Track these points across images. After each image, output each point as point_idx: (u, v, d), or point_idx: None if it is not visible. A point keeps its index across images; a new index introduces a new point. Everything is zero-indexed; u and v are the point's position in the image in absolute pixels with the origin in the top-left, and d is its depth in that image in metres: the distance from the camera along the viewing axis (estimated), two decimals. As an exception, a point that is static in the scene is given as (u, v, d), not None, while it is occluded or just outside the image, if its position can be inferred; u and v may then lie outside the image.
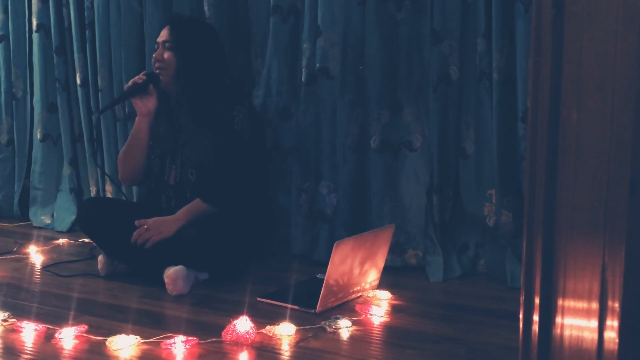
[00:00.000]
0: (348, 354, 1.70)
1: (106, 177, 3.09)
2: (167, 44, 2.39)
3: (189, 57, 2.38)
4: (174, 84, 2.42)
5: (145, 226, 2.24)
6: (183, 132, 2.43)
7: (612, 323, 1.03)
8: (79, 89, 3.12)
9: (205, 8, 2.72)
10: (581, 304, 1.08)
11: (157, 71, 2.41)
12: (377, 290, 2.18)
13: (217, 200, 2.32)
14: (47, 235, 3.05)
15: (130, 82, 2.42)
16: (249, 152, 2.37)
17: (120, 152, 2.54)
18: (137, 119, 2.46)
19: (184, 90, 2.40)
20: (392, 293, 2.17)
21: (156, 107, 2.44)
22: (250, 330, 1.75)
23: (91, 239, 2.53)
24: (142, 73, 2.43)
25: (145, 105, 2.42)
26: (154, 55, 2.43)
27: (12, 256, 2.66)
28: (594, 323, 1.06)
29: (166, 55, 2.39)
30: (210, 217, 2.30)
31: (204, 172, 2.37)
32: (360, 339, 1.81)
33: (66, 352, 1.71)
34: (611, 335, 1.03)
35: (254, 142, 2.40)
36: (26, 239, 2.97)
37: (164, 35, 2.42)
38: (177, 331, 1.80)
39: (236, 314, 1.85)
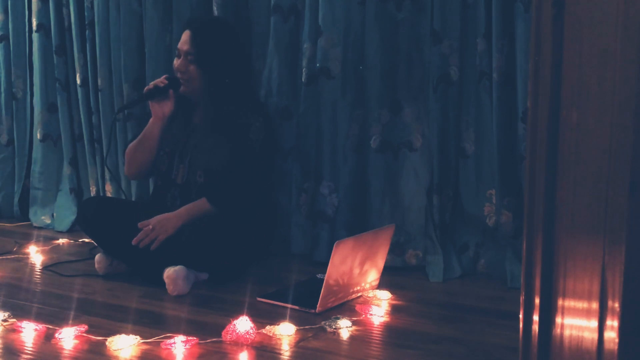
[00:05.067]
0: (348, 354, 1.70)
1: (106, 177, 3.09)
2: (189, 57, 2.35)
3: (214, 71, 2.35)
4: (197, 94, 2.41)
5: (150, 226, 2.24)
6: (196, 134, 2.43)
7: (612, 323, 1.03)
8: (79, 89, 3.12)
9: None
10: (581, 304, 1.08)
11: (181, 80, 2.39)
12: (377, 290, 2.18)
13: (223, 204, 2.32)
14: (47, 235, 3.05)
15: (151, 85, 2.39)
16: (259, 160, 2.37)
17: (128, 147, 2.52)
18: (151, 120, 2.44)
19: (209, 101, 2.40)
20: (392, 293, 2.17)
21: (172, 111, 2.42)
22: (250, 330, 1.76)
23: (91, 239, 2.52)
24: (163, 77, 2.40)
25: (162, 109, 2.40)
26: (175, 63, 2.39)
27: (12, 256, 2.66)
28: (594, 323, 1.06)
29: (190, 67, 2.35)
30: (211, 218, 2.30)
31: (212, 175, 2.37)
32: (360, 339, 1.81)
33: (66, 352, 1.71)
34: (611, 335, 1.03)
35: (266, 151, 2.40)
36: (26, 239, 2.97)
37: (185, 42, 2.36)
38: (177, 331, 1.80)
39: (236, 314, 1.85)
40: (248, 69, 2.49)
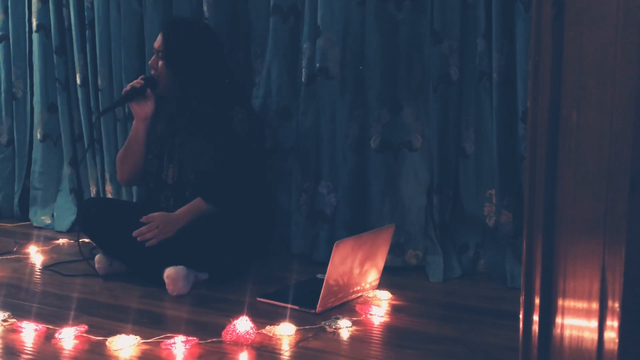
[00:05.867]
0: (348, 354, 1.70)
1: (106, 177, 3.09)
2: (160, 53, 2.40)
3: (180, 68, 2.37)
4: (169, 91, 2.42)
5: (154, 223, 2.23)
6: (180, 133, 2.43)
7: (612, 323, 1.03)
8: (79, 89, 3.12)
9: (205, 8, 2.72)
10: (581, 304, 1.08)
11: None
12: (377, 290, 2.18)
13: (219, 200, 2.32)
14: (47, 235, 3.05)
15: (128, 87, 2.42)
16: (248, 152, 2.37)
17: (118, 153, 2.55)
18: (134, 122, 2.46)
19: (178, 99, 2.41)
20: (392, 293, 2.17)
21: (153, 110, 2.44)
22: (250, 330, 1.75)
23: (91, 239, 2.52)
24: (140, 77, 2.44)
25: (143, 110, 2.43)
26: (150, 61, 2.45)
27: (12, 256, 2.66)
28: (594, 323, 1.06)
29: (160, 63, 2.40)
30: (210, 217, 2.30)
31: (203, 173, 2.37)
32: (360, 339, 1.81)
33: (66, 352, 1.71)
34: (611, 335, 1.03)
35: (253, 142, 2.40)
36: (26, 239, 2.96)
37: (158, 41, 2.42)
38: (177, 331, 1.80)
39: (236, 314, 1.85)
40: (220, 68, 2.47)
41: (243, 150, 2.36)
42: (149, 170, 2.48)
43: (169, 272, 2.17)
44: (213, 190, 2.32)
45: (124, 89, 2.44)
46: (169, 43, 2.38)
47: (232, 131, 2.35)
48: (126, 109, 2.95)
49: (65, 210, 3.19)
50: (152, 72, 2.43)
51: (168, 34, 2.40)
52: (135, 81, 2.43)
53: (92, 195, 3.16)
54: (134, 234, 2.22)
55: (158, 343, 1.73)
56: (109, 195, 3.08)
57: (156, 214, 2.26)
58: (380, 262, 2.17)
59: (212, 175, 2.35)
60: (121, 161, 2.52)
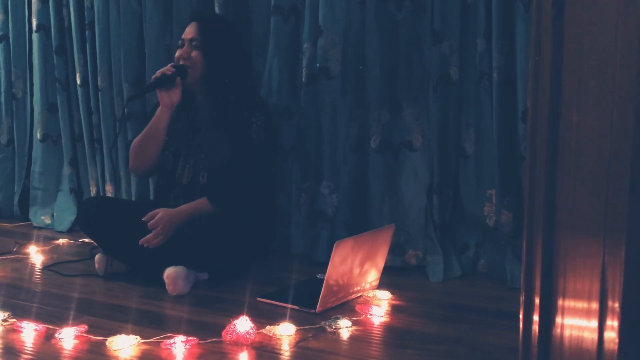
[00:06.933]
0: (348, 354, 1.70)
1: (106, 177, 3.09)
2: (194, 42, 2.38)
3: (217, 58, 2.37)
4: (199, 84, 2.41)
5: (158, 229, 2.22)
6: (200, 132, 2.43)
7: (612, 323, 1.03)
8: (79, 89, 3.12)
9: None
10: (581, 304, 1.08)
11: None
12: (377, 290, 2.18)
13: (224, 204, 2.31)
14: (47, 235, 3.06)
15: (158, 73, 2.38)
16: (259, 159, 2.38)
17: (134, 141, 2.49)
18: (158, 110, 2.42)
19: (209, 91, 2.40)
20: (392, 293, 2.17)
21: (179, 102, 2.42)
22: (250, 330, 1.75)
23: (91, 239, 2.52)
24: (170, 65, 2.41)
25: (170, 98, 2.40)
26: (178, 52, 2.41)
27: (12, 256, 2.66)
28: (594, 323, 1.06)
29: (193, 54, 2.38)
30: (211, 217, 2.30)
31: (215, 175, 2.37)
32: (360, 339, 1.81)
33: (66, 352, 1.71)
34: (611, 335, 1.03)
35: (266, 150, 2.40)
36: (26, 239, 2.97)
37: (190, 32, 2.40)
38: (177, 331, 1.80)
39: (236, 314, 1.85)
40: (248, 67, 2.49)
41: (255, 157, 2.36)
42: (163, 166, 2.47)
43: (169, 272, 2.17)
44: (219, 193, 2.32)
45: (153, 76, 2.40)
46: (206, 32, 2.37)
47: (249, 137, 2.35)
48: (125, 110, 2.94)
49: (65, 210, 3.19)
50: (181, 62, 2.40)
51: (204, 23, 2.39)
52: (165, 68, 2.39)
53: (92, 195, 3.16)
54: (141, 241, 2.22)
55: (158, 343, 1.73)
56: (109, 195, 3.08)
57: (158, 212, 2.26)
58: (380, 262, 2.17)
59: (221, 176, 2.35)
60: (136, 149, 2.46)
